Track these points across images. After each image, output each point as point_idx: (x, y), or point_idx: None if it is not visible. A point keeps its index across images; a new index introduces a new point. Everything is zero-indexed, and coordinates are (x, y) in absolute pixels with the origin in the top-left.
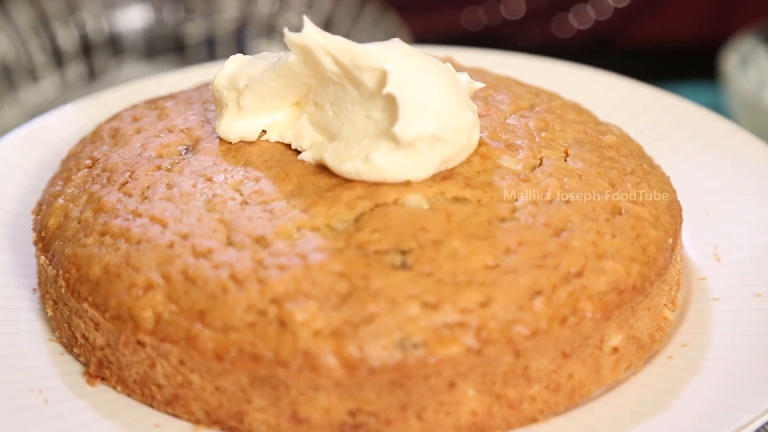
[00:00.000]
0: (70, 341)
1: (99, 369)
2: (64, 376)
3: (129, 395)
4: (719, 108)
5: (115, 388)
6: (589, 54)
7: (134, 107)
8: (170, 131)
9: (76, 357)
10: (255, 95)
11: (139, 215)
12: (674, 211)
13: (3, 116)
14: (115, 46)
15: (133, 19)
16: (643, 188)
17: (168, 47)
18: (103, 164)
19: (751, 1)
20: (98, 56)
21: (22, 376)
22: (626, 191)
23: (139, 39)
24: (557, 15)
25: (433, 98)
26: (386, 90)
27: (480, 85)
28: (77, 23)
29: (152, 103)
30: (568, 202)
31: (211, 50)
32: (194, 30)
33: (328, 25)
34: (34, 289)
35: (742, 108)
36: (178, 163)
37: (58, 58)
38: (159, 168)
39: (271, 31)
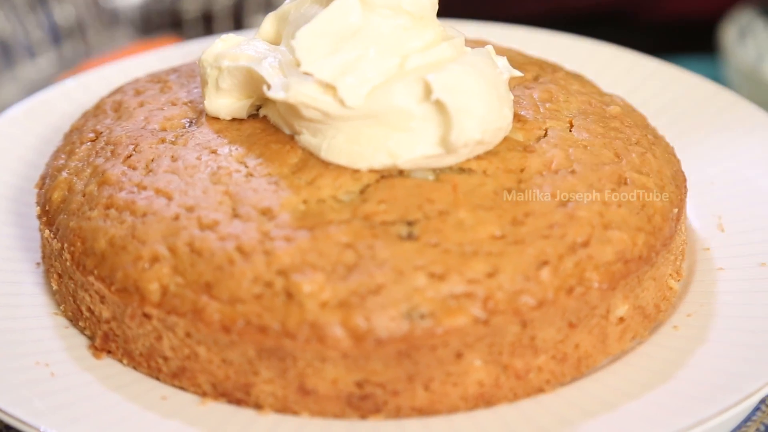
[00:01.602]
0: (76, 314)
1: (105, 342)
2: (69, 350)
3: (135, 368)
4: (718, 81)
5: (121, 361)
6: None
7: (137, 81)
8: (173, 104)
9: (82, 330)
10: (233, 79)
11: (144, 188)
12: (679, 181)
13: (1, 92)
14: (112, 21)
15: None
16: (648, 158)
17: (164, 23)
18: (106, 137)
19: None
20: (95, 32)
21: (27, 349)
22: (631, 161)
23: (136, 14)
24: None
25: (478, 100)
26: (434, 96)
27: (518, 73)
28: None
29: (155, 77)
30: (573, 172)
31: (208, 25)
32: (191, 5)
33: None
34: (38, 263)
35: (741, 81)
36: (182, 135)
37: (54, 35)
38: (163, 141)
39: (269, 6)
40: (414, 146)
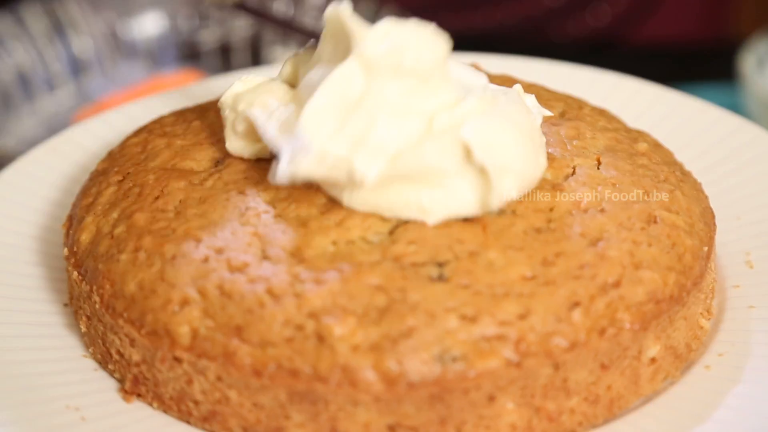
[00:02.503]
0: (105, 357)
1: (135, 385)
2: (99, 393)
3: (165, 411)
4: (736, 109)
5: (151, 404)
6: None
7: (161, 119)
8: (200, 144)
9: (111, 373)
10: (247, 123)
11: (173, 230)
12: (708, 218)
13: (20, 126)
14: (130, 53)
15: (147, 27)
16: (677, 196)
17: (182, 54)
18: (133, 178)
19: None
20: (112, 64)
21: (57, 393)
22: (660, 199)
23: (154, 46)
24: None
25: (516, 156)
26: (476, 157)
27: (548, 113)
28: (92, 31)
29: (180, 116)
30: (602, 211)
31: (225, 57)
32: (209, 37)
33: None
34: (66, 304)
35: (760, 109)
36: (210, 176)
37: (73, 67)
38: (191, 182)
39: (286, 37)
40: (448, 204)
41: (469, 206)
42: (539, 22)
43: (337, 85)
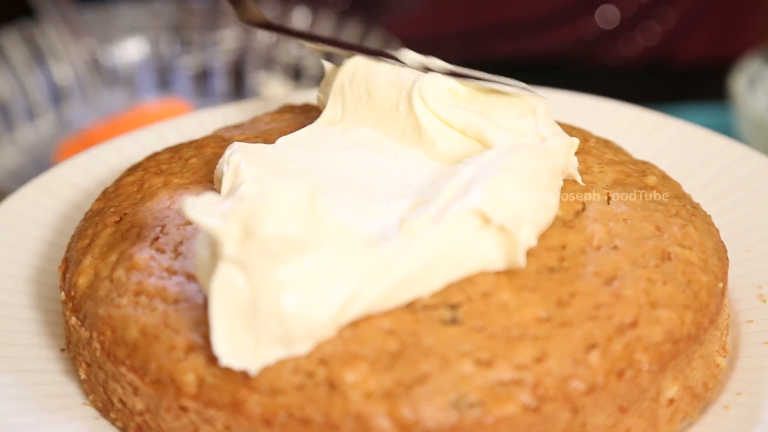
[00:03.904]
0: (106, 405)
1: None
2: None
3: None
4: (727, 130)
5: None
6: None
7: (156, 156)
8: (198, 183)
9: (113, 422)
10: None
11: (174, 273)
12: (720, 253)
13: (1, 156)
14: (111, 80)
15: (129, 53)
16: (690, 231)
17: (164, 81)
18: (131, 219)
19: (750, 22)
20: (94, 92)
21: None
22: (673, 235)
23: (134, 72)
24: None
25: (525, 205)
26: (495, 222)
27: (575, 174)
28: (72, 58)
29: (175, 152)
30: (615, 248)
31: (207, 84)
32: (190, 63)
33: (329, 57)
34: (63, 349)
35: (751, 130)
36: None
37: (54, 95)
38: (190, 222)
39: (270, 62)
40: (472, 267)
41: (496, 265)
42: (591, 45)
43: (223, 296)
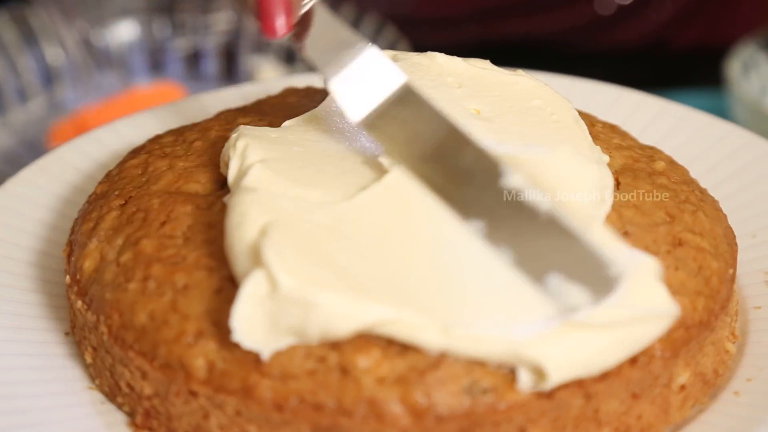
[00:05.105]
0: (113, 390)
1: (146, 419)
2: (108, 427)
3: None
4: (723, 115)
5: None
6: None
7: (159, 138)
8: (204, 166)
9: (119, 406)
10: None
11: (183, 258)
12: (730, 238)
13: None
14: (103, 62)
15: (121, 35)
16: (700, 217)
17: (156, 64)
18: (137, 203)
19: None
20: (87, 74)
21: (65, 428)
22: (684, 221)
23: (127, 53)
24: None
25: None
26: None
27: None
28: (64, 40)
29: (179, 135)
30: (626, 234)
31: (201, 65)
32: (182, 45)
33: None
34: (67, 333)
35: (745, 114)
36: (217, 200)
37: (46, 77)
38: (197, 206)
39: (263, 46)
40: None
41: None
42: (589, 29)
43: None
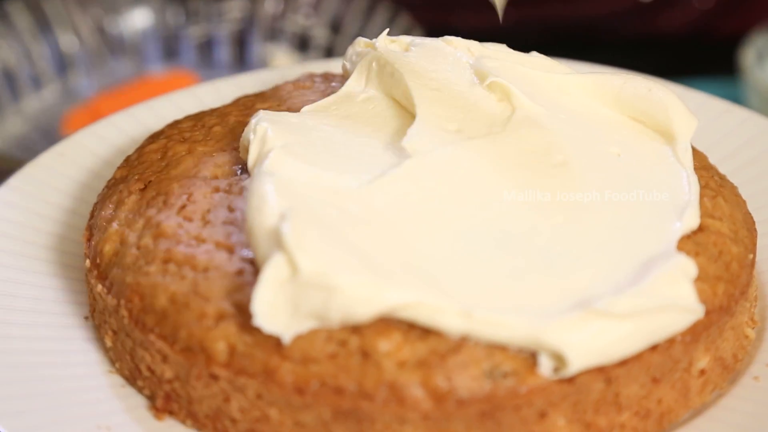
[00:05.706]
0: (133, 373)
1: (167, 403)
2: (129, 411)
3: (200, 430)
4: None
5: (184, 422)
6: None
7: (178, 124)
8: (223, 150)
9: (140, 390)
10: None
11: (203, 241)
12: (749, 224)
13: (6, 125)
14: (117, 49)
15: (135, 22)
16: (720, 202)
17: (169, 51)
18: (156, 187)
19: None
20: (101, 61)
21: (87, 411)
22: (704, 206)
23: (140, 40)
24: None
25: None
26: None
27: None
28: (78, 27)
29: (198, 120)
30: None
31: (214, 53)
32: (195, 32)
33: (337, 27)
34: (87, 317)
35: (760, 103)
36: (236, 183)
37: (60, 64)
38: (217, 189)
39: (276, 33)
40: None
41: None
42: (628, 16)
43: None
